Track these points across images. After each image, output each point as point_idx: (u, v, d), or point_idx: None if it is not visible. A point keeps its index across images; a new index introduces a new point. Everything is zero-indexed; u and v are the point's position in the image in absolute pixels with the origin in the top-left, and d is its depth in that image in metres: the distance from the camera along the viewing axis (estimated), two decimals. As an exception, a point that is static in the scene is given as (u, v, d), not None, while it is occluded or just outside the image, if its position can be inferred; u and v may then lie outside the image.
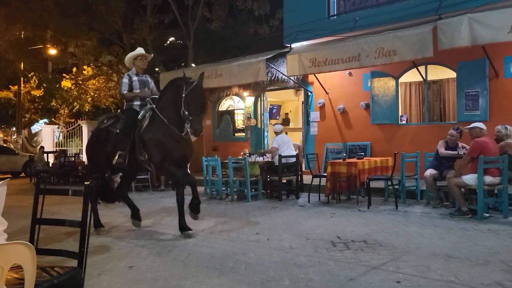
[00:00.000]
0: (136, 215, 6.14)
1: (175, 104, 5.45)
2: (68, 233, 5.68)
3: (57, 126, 21.44)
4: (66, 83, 19.74)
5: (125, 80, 6.02)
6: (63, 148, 18.47)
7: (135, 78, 6.02)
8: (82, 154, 18.63)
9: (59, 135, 20.86)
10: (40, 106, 21.76)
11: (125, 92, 5.98)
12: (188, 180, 5.56)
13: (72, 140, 20.18)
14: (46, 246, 4.00)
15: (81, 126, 19.08)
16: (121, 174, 6.80)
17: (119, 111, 6.36)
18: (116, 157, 5.67)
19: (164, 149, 5.48)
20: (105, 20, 16.82)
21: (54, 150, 18.31)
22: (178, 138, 5.52)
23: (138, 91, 5.97)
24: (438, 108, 10.69)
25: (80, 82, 19.81)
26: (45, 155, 15.83)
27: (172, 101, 5.50)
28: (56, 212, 7.49)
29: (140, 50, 6.17)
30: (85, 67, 19.63)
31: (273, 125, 10.18)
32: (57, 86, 19.36)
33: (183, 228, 5.51)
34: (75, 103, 20.56)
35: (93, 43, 17.74)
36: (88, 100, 20.26)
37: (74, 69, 19.88)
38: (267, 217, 6.82)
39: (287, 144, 8.97)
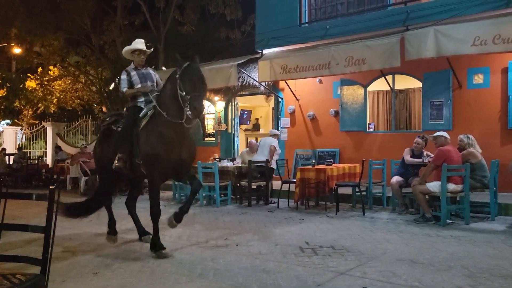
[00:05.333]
0: (144, 232, 5.62)
1: (172, 92, 4.83)
2: (30, 238, 5.48)
3: (20, 127, 20.71)
4: (31, 83, 19.09)
5: (124, 76, 5.41)
6: (23, 150, 17.74)
7: (134, 73, 5.42)
8: (46, 156, 18.08)
9: (22, 137, 20.17)
10: (2, 107, 20.98)
11: (125, 89, 5.36)
12: (193, 187, 5.06)
13: (36, 142, 19.54)
14: (7, 252, 3.85)
15: (46, 127, 18.52)
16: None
17: (125, 108, 5.68)
18: (116, 161, 5.04)
19: (156, 153, 4.82)
20: (73, 20, 16.43)
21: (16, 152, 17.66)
22: (178, 139, 4.88)
23: (139, 86, 5.38)
24: (404, 117, 10.99)
25: (46, 83, 19.23)
26: (6, 157, 15.26)
27: (170, 89, 4.89)
28: (18, 217, 7.23)
29: (136, 44, 5.44)
30: (51, 67, 19.05)
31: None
32: (21, 86, 18.73)
33: (156, 246, 4.90)
34: (39, 104, 19.92)
35: (60, 43, 17.26)
36: (54, 101, 19.67)
37: (40, 69, 19.28)
38: (236, 223, 6.80)
39: (261, 148, 9.01)
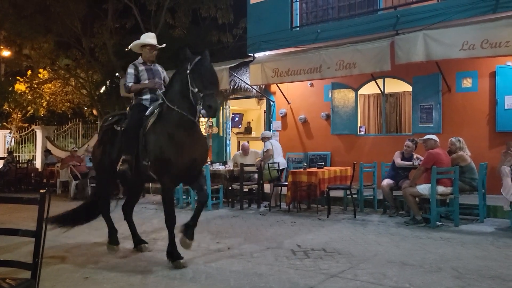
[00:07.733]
0: (140, 241, 5.33)
1: (182, 88, 4.50)
2: (20, 243, 5.43)
3: (9, 131, 20.52)
4: (20, 86, 18.95)
5: (131, 70, 5.08)
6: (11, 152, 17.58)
7: (142, 67, 5.09)
8: (35, 160, 17.91)
9: (11, 141, 19.97)
10: (-9, 110, 20.82)
11: (130, 84, 5.01)
12: (199, 199, 4.75)
13: (25, 146, 19.36)
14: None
15: (35, 131, 18.36)
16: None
17: (128, 108, 5.23)
18: (120, 163, 4.70)
19: (168, 153, 4.47)
20: (63, 22, 16.31)
21: (5, 156, 17.47)
22: (190, 137, 4.58)
23: (147, 82, 5.03)
24: (395, 120, 11.07)
25: (35, 86, 19.09)
26: (-5, 161, 15.12)
27: (179, 85, 4.56)
28: (7, 221, 7.14)
29: (148, 39, 5.15)
30: (40, 70, 18.93)
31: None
32: (10, 89, 18.59)
33: (173, 255, 4.57)
34: (29, 107, 19.77)
35: (50, 45, 17.15)
36: (43, 105, 19.53)
37: (29, 72, 19.13)
38: (228, 226, 6.80)
39: (279, 150, 9.11)
